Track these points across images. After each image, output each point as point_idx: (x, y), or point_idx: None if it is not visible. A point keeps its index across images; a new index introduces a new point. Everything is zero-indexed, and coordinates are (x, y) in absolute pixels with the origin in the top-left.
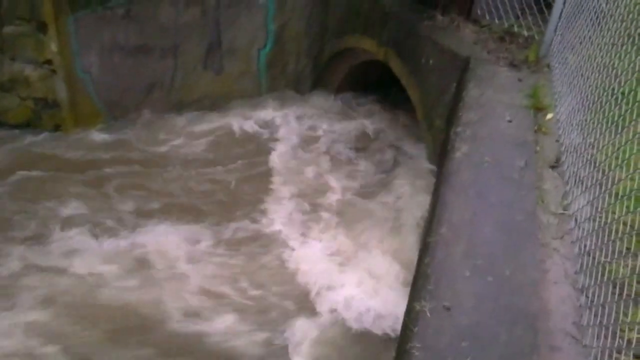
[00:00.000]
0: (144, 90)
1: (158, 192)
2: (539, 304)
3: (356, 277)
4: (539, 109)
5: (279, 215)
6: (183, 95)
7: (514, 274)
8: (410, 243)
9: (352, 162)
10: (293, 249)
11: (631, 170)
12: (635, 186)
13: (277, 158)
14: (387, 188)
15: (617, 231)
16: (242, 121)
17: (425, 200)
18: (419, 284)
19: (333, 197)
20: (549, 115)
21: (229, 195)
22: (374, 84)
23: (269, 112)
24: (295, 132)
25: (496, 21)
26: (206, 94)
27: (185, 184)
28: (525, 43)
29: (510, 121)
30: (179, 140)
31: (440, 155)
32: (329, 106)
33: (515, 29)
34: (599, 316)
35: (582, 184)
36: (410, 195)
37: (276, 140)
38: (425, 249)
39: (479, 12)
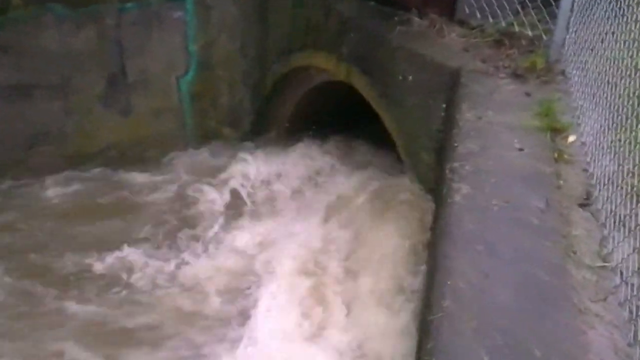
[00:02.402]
0: (23, 143)
1: None
2: None
3: None
4: (556, 131)
5: None
6: (79, 147)
7: (546, 354)
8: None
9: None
10: None
11: None
12: None
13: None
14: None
15: None
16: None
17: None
18: None
19: None
20: (571, 138)
21: None
22: (339, 114)
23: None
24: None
25: (490, 20)
26: (111, 143)
27: None
28: (529, 46)
29: (520, 149)
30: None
31: (435, 200)
32: (275, 152)
33: (516, 28)
34: None
35: (625, 225)
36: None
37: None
38: (425, 330)
39: (466, 10)
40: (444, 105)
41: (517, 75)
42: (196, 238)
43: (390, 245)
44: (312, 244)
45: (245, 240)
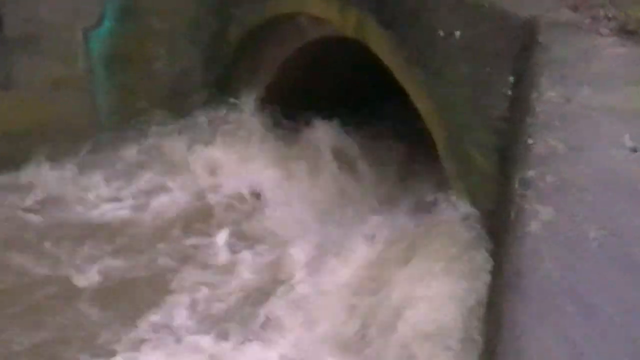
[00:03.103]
0: None
1: None
2: None
3: None
4: None
5: None
6: None
7: None
8: None
9: None
10: None
11: None
12: None
13: None
14: None
15: None
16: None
17: None
18: None
19: None
20: None
21: None
22: (343, 89)
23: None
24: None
25: None
26: None
27: None
28: None
29: (634, 150)
30: None
31: (497, 229)
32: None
33: None
34: None
35: None
36: None
37: None
38: None
39: None
40: (511, 79)
41: (627, 32)
42: None
43: (422, 314)
44: None
45: None
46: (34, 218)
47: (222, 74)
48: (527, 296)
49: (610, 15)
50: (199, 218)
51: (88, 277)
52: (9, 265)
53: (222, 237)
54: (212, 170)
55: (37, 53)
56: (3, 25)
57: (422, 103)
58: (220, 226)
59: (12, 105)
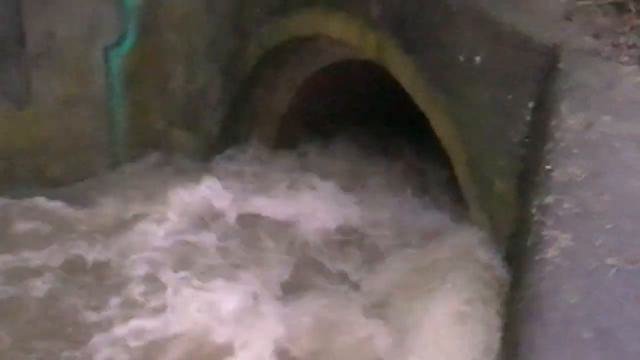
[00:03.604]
0: None
1: None
2: None
3: None
4: None
5: None
6: None
7: None
8: None
9: None
10: None
11: None
12: None
13: None
14: None
15: None
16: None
17: None
18: None
19: None
20: None
21: None
22: (364, 112)
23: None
24: None
25: None
26: None
27: None
28: None
29: None
30: None
31: (514, 255)
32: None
33: None
34: None
35: None
36: None
37: None
38: None
39: None
40: (531, 105)
41: None
42: None
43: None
44: None
45: None
46: None
47: (239, 94)
48: (544, 321)
49: (631, 43)
50: None
51: None
52: None
53: None
54: None
55: (54, 69)
56: (24, 41)
57: (441, 127)
58: None
59: (25, 122)
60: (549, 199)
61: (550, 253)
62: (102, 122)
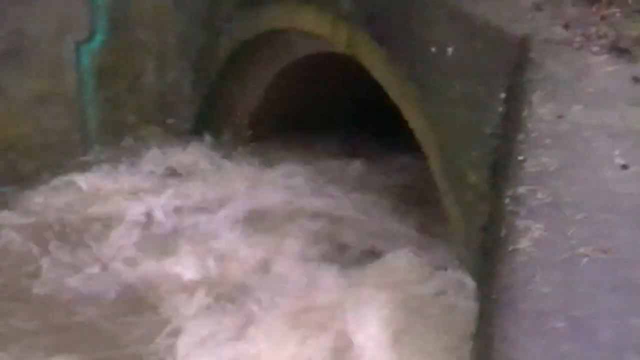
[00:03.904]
0: None
1: None
2: None
3: None
4: None
5: None
6: None
7: None
8: None
9: None
10: None
11: None
12: None
13: None
14: None
15: None
16: None
17: None
18: None
19: None
20: None
21: None
22: (336, 107)
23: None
24: None
25: None
26: None
27: None
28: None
29: (624, 166)
30: None
31: (487, 248)
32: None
33: None
34: None
35: None
36: None
37: None
38: None
39: None
40: (503, 96)
41: (619, 50)
42: None
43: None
44: None
45: None
46: None
47: (211, 90)
48: (517, 312)
49: (602, 34)
50: None
51: None
52: None
53: None
54: None
55: (23, 66)
56: None
57: (414, 120)
58: None
59: None
60: (521, 190)
61: (523, 243)
62: (73, 119)
